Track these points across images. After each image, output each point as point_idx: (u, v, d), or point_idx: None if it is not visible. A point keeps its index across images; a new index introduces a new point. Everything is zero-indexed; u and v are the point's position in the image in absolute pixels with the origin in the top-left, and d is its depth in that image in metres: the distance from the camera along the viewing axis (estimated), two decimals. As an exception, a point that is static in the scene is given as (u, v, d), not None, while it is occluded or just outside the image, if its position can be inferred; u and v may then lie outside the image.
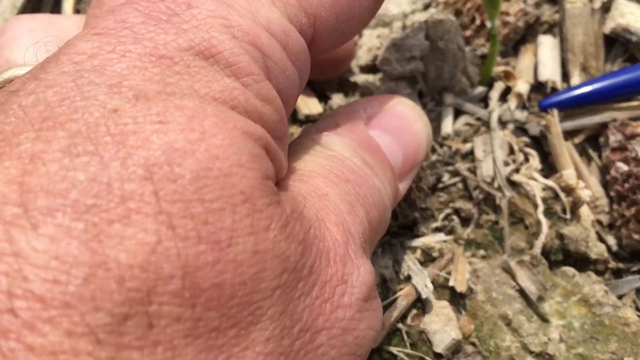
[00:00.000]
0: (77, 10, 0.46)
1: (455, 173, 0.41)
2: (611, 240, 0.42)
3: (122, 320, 0.16)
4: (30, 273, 0.16)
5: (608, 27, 0.45)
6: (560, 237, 0.40)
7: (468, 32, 0.46)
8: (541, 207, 0.40)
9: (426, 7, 0.48)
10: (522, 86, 0.43)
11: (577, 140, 0.44)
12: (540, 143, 0.44)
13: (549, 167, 0.43)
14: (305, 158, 0.28)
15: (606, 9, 0.46)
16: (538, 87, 0.45)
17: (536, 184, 0.41)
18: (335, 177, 0.27)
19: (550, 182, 0.41)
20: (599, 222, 0.42)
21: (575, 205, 0.40)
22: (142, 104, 0.19)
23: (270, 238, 0.20)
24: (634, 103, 0.43)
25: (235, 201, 0.19)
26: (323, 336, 0.22)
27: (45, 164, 0.17)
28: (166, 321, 0.17)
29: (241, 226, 0.19)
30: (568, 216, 0.40)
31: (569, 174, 0.40)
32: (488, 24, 0.45)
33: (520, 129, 0.44)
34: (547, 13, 0.48)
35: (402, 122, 0.32)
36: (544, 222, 0.39)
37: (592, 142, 0.45)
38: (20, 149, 0.18)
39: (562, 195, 0.40)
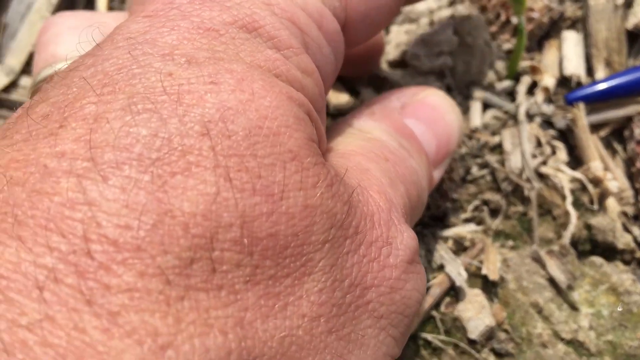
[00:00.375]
0: (110, 8, 0.47)
1: (484, 165, 0.42)
2: (637, 231, 0.43)
3: (189, 264, 0.17)
4: (103, 220, 0.17)
5: (631, 22, 0.46)
6: (588, 227, 0.41)
7: (493, 28, 0.47)
8: (569, 199, 0.40)
9: (451, 3, 0.49)
10: (548, 80, 0.44)
11: (602, 133, 0.45)
12: (566, 136, 0.45)
13: (575, 160, 0.44)
14: (343, 140, 0.29)
15: (628, 4, 0.47)
16: (563, 81, 0.46)
17: (564, 176, 0.42)
18: (375, 156, 0.28)
19: (577, 174, 0.42)
20: (625, 213, 0.43)
21: (603, 197, 0.41)
22: (194, 67, 0.20)
23: (318, 195, 0.21)
24: (659, 96, 0.44)
25: (284, 158, 0.20)
26: (372, 292, 0.23)
27: (109, 121, 0.19)
28: (228, 266, 0.18)
29: (291, 181, 0.20)
30: (596, 207, 0.41)
31: (596, 166, 0.41)
32: (514, 20, 0.46)
33: (547, 123, 0.45)
34: (570, 9, 0.49)
35: (435, 112, 0.33)
36: (573, 213, 0.40)
37: (617, 135, 0.46)
38: (85, 112, 0.19)
39: (589, 186, 0.41)
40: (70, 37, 0.33)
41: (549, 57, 0.46)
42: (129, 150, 0.18)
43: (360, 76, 0.44)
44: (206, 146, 0.19)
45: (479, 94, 0.43)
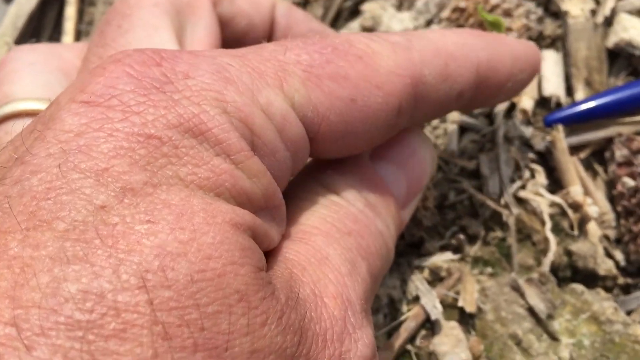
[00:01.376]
0: (78, 32, 0.46)
1: (461, 190, 0.41)
2: (619, 255, 0.42)
3: None
4: None
5: (611, 41, 0.45)
6: (569, 253, 0.40)
7: (471, 48, 0.46)
8: (549, 224, 0.39)
9: (428, 23, 0.48)
10: (526, 102, 0.43)
11: (582, 155, 0.44)
12: (545, 158, 0.44)
13: (555, 182, 0.43)
14: (307, 206, 0.28)
15: (609, 23, 0.46)
16: (542, 102, 0.45)
17: (543, 200, 0.41)
18: (337, 232, 0.27)
19: (557, 199, 0.41)
20: (606, 237, 0.42)
21: (583, 222, 0.40)
22: (129, 200, 0.19)
23: (267, 335, 0.20)
24: (639, 118, 0.43)
25: (230, 302, 0.19)
26: None
27: (36, 274, 0.17)
28: None
29: (237, 327, 0.19)
30: (576, 233, 0.40)
31: (575, 191, 0.40)
32: (491, 40, 0.45)
33: (526, 144, 0.44)
34: (550, 27, 0.48)
35: (406, 149, 0.32)
36: (552, 240, 0.39)
37: (597, 156, 0.45)
38: (10, 254, 0.18)
39: (569, 211, 0.40)
40: (27, 75, 0.31)
41: (527, 77, 0.45)
42: (58, 313, 0.17)
43: None
44: (143, 301, 0.17)
45: (455, 117, 0.42)
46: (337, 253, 0.26)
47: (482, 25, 0.46)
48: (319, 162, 0.31)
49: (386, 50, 0.27)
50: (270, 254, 0.25)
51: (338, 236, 0.26)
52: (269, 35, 0.37)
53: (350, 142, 0.27)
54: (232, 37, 0.35)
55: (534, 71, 0.35)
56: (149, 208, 0.19)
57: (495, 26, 0.40)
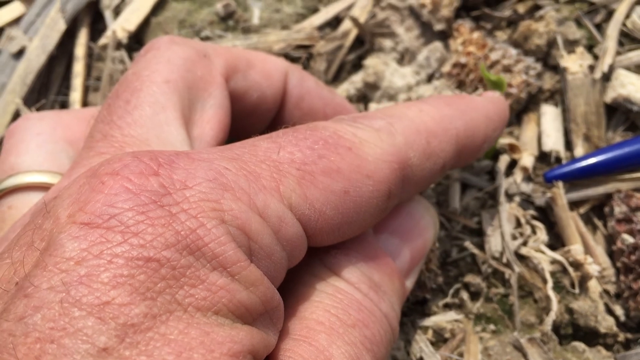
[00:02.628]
0: (86, 88, 0.47)
1: (463, 248, 0.42)
2: (619, 310, 0.42)
3: None
4: None
5: (609, 96, 0.46)
6: (570, 311, 0.40)
7: (472, 103, 0.46)
8: (550, 283, 0.40)
9: (430, 78, 0.49)
10: (527, 159, 0.44)
11: (582, 210, 0.44)
12: (547, 213, 0.44)
13: (556, 237, 0.44)
14: (310, 294, 0.28)
15: (607, 78, 0.47)
16: (543, 156, 0.46)
17: (544, 257, 0.42)
18: (341, 327, 0.27)
19: (558, 256, 0.41)
20: (607, 291, 0.43)
21: (584, 280, 0.41)
22: (130, 339, 0.20)
23: None
24: (638, 174, 0.43)
25: None
26: None
27: None
28: None
29: None
30: (577, 291, 0.41)
31: (576, 249, 0.41)
32: (492, 97, 0.46)
33: (527, 200, 0.44)
34: (549, 81, 0.49)
35: (409, 220, 0.33)
36: (554, 299, 0.39)
37: (597, 211, 0.45)
38: None
39: (570, 269, 0.41)
40: (33, 146, 0.32)
41: (527, 132, 0.46)
42: None
43: None
44: None
45: (457, 174, 0.42)
46: (341, 352, 0.26)
47: (482, 81, 0.46)
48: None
49: (372, 138, 0.28)
50: (272, 357, 0.25)
51: (342, 331, 0.27)
52: (280, 106, 0.37)
53: (346, 231, 0.28)
54: (243, 109, 0.36)
55: (504, 125, 0.36)
56: (149, 348, 0.20)
57: (497, 85, 0.40)
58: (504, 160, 0.44)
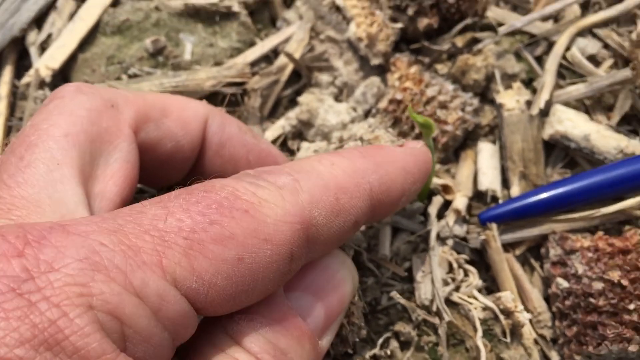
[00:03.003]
0: (8, 128, 0.45)
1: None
2: (555, 357, 0.41)
3: None
4: None
5: (547, 133, 0.45)
6: (501, 360, 0.39)
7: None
8: (480, 332, 0.39)
9: (367, 114, 0.47)
10: (459, 201, 0.43)
11: (518, 251, 0.43)
12: (483, 255, 0.43)
13: (492, 279, 0.43)
14: None
15: (545, 113, 0.46)
16: (480, 195, 0.45)
17: (477, 304, 0.40)
18: None
19: (489, 303, 0.40)
20: (543, 337, 0.42)
21: (515, 327, 0.40)
22: None
23: None
24: (574, 215, 0.42)
25: None
26: None
27: None
28: None
29: None
30: (508, 339, 0.40)
31: (506, 296, 0.40)
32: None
33: (462, 241, 0.43)
34: (489, 116, 0.48)
35: (323, 275, 0.31)
36: (483, 350, 0.38)
37: (535, 251, 0.44)
38: None
39: (501, 317, 0.40)
40: None
41: (464, 171, 0.45)
42: None
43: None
44: None
45: (387, 218, 0.41)
46: None
47: (417, 119, 0.45)
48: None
49: (273, 197, 0.27)
50: None
51: None
52: (200, 154, 0.36)
53: (243, 300, 0.26)
54: (157, 159, 0.34)
55: (425, 178, 0.35)
56: None
57: (425, 127, 0.39)
58: (437, 202, 0.43)
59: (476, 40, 0.49)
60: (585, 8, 0.53)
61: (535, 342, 0.41)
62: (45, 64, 0.45)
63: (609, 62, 0.50)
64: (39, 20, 0.48)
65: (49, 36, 0.47)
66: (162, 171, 0.36)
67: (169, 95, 0.36)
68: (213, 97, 0.46)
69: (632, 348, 0.38)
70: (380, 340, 0.40)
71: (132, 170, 0.32)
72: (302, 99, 0.46)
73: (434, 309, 0.40)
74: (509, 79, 0.48)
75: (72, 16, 0.48)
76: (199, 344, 0.28)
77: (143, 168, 0.34)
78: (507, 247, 0.43)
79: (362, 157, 0.32)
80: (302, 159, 0.31)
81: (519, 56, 0.49)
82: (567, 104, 0.47)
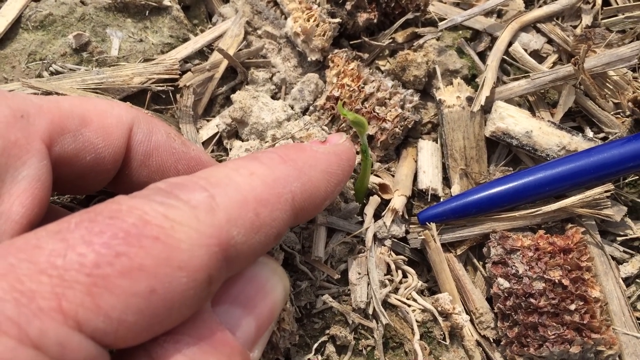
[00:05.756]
0: None
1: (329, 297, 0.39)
2: (498, 357, 0.40)
3: None
4: None
5: (488, 130, 0.44)
6: (440, 364, 0.38)
7: (346, 138, 0.44)
8: (417, 335, 0.37)
9: (305, 111, 0.46)
10: (397, 200, 0.41)
11: (459, 251, 0.42)
12: (424, 255, 0.42)
13: (435, 279, 0.41)
14: None
15: (486, 110, 0.45)
16: (420, 194, 0.44)
17: (415, 306, 0.39)
18: None
19: (428, 305, 0.39)
20: (485, 337, 0.40)
21: (454, 330, 0.38)
22: None
23: None
24: (515, 214, 0.41)
25: None
26: None
27: None
28: None
29: None
30: (447, 342, 0.38)
31: (445, 298, 0.38)
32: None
33: (403, 241, 0.42)
34: (430, 113, 0.46)
35: (252, 286, 0.29)
36: (420, 353, 0.37)
37: (477, 250, 0.43)
38: None
39: (439, 319, 0.38)
40: None
41: (403, 169, 0.44)
42: None
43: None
44: None
45: (322, 219, 0.39)
46: None
47: (355, 116, 0.44)
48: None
49: (187, 219, 0.24)
50: None
51: None
52: (124, 164, 0.33)
53: (158, 330, 0.24)
54: (75, 173, 0.31)
55: (349, 176, 0.33)
56: None
57: (357, 124, 0.38)
58: (374, 202, 0.41)
59: (417, 36, 0.48)
60: (530, 2, 0.52)
61: (478, 343, 0.40)
62: (-40, 60, 0.42)
63: (553, 57, 0.49)
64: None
65: (-33, 31, 0.45)
66: (82, 183, 0.33)
67: (90, 100, 0.33)
68: (141, 95, 0.44)
69: (574, 349, 0.37)
70: (316, 345, 0.38)
71: (42, 190, 0.29)
72: (235, 96, 0.44)
73: (371, 312, 0.38)
74: (450, 75, 0.47)
75: (-7, 11, 0.46)
76: None
77: (60, 181, 0.31)
78: (448, 246, 0.42)
79: (283, 163, 0.30)
80: (220, 166, 0.29)
81: (461, 52, 0.48)
82: (509, 100, 0.46)
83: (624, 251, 0.43)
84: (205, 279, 0.24)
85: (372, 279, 0.39)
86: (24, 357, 0.20)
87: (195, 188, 0.26)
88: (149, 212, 0.24)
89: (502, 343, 0.40)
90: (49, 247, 0.22)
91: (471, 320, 0.40)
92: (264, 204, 0.26)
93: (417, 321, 0.38)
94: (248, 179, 0.27)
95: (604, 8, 0.51)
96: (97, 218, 0.23)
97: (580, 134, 0.44)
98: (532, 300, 0.38)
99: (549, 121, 0.44)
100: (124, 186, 0.34)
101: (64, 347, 0.21)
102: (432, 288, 0.42)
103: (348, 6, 0.46)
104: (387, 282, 0.39)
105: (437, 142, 0.45)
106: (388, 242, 0.41)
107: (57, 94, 0.40)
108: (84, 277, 0.22)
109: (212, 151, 0.45)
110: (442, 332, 0.38)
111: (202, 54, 0.48)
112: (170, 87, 0.45)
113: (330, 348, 0.38)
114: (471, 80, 0.48)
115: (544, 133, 0.43)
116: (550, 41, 0.49)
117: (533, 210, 0.41)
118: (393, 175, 0.44)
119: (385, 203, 0.42)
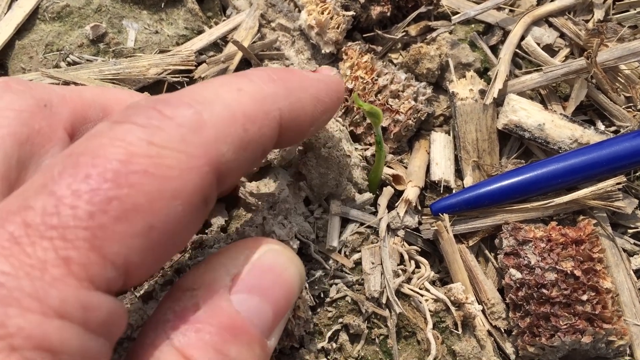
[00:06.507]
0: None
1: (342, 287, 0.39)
2: (509, 348, 0.40)
3: None
4: None
5: (501, 122, 0.44)
6: (453, 353, 0.38)
7: (360, 130, 0.44)
8: (430, 325, 0.38)
9: (317, 103, 0.46)
10: (410, 191, 0.41)
11: (471, 242, 0.42)
12: (436, 245, 0.42)
13: (447, 271, 0.42)
14: None
15: (498, 103, 0.45)
16: (433, 186, 0.44)
17: (428, 296, 0.39)
18: None
19: (440, 295, 0.39)
20: (497, 328, 0.41)
21: (466, 319, 0.39)
22: None
23: None
24: (527, 205, 0.42)
25: None
26: None
27: None
28: None
29: None
30: (459, 331, 0.38)
31: (457, 288, 0.39)
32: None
33: (415, 231, 0.42)
34: (443, 105, 0.47)
35: (270, 275, 0.29)
36: (433, 342, 0.37)
37: (489, 242, 0.43)
38: None
39: (452, 309, 0.39)
40: None
41: (416, 162, 0.44)
42: None
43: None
44: None
45: (337, 208, 0.40)
46: None
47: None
48: (172, 311, 0.27)
49: (174, 142, 0.23)
50: None
51: None
52: None
53: (166, 257, 0.24)
54: None
55: (337, 108, 0.33)
56: None
57: (372, 115, 0.38)
58: (387, 193, 0.42)
59: (430, 29, 0.48)
60: (541, -2, 0.52)
61: (489, 333, 0.40)
62: (-22, 50, 0.43)
63: (565, 51, 0.49)
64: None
65: (-15, 22, 0.45)
66: None
67: (110, 90, 0.34)
68: (157, 86, 0.45)
69: (585, 339, 0.38)
70: (329, 333, 0.38)
71: None
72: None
73: (384, 301, 0.39)
74: (463, 68, 0.47)
75: (10, 4, 0.46)
76: (142, 356, 0.25)
77: None
78: (461, 237, 0.42)
79: (272, 82, 0.29)
80: (205, 82, 0.28)
81: (474, 45, 0.49)
82: (522, 93, 0.46)
83: (635, 244, 0.43)
84: (201, 201, 0.24)
85: (386, 268, 0.39)
86: (52, 330, 0.20)
87: (180, 104, 0.25)
88: (134, 141, 0.23)
89: (513, 333, 0.40)
90: (38, 204, 0.21)
91: (483, 311, 0.41)
92: (252, 120, 0.26)
93: (430, 310, 0.39)
94: (236, 95, 0.26)
95: (616, 3, 0.51)
96: (80, 160, 0.22)
97: (592, 127, 0.44)
98: (544, 290, 0.38)
99: (561, 114, 0.45)
100: None
101: (86, 310, 0.21)
102: (444, 279, 0.42)
103: (362, -1, 0.46)
104: (400, 272, 0.40)
105: (449, 135, 0.46)
106: (401, 233, 0.41)
107: (76, 84, 0.41)
108: (83, 232, 0.21)
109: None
110: (454, 322, 0.39)
111: (216, 46, 0.48)
112: (185, 78, 0.45)
113: (343, 336, 0.39)
114: (483, 73, 0.48)
115: (556, 126, 0.44)
116: (562, 35, 0.50)
117: (545, 202, 0.41)
118: (406, 167, 0.44)
119: (398, 194, 0.42)
